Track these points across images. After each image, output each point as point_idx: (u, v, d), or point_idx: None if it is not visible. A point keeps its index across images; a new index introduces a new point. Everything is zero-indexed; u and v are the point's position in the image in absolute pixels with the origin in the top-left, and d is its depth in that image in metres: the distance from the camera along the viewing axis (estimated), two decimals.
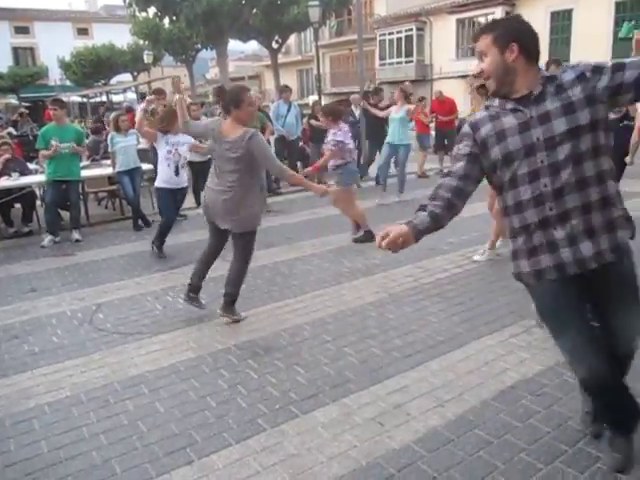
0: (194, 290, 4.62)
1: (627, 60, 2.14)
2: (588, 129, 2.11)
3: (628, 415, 2.44)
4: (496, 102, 2.27)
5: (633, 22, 19.81)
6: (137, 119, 6.32)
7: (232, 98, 4.17)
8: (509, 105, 2.21)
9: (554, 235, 2.19)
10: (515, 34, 2.17)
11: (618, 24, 20.28)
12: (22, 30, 36.45)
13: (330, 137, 6.36)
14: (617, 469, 2.46)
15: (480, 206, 7.76)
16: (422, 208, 2.33)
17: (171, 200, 6.50)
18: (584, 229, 2.16)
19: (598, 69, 2.12)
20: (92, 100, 25.29)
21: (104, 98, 25.70)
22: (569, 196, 2.14)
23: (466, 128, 2.33)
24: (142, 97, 15.77)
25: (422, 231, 2.30)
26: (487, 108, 2.32)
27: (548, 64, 5.73)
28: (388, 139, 8.99)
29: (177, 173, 6.28)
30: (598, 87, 2.10)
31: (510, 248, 2.39)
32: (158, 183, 6.36)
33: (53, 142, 6.97)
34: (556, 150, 2.12)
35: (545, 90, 2.15)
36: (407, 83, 11.10)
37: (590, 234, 2.17)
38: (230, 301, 4.41)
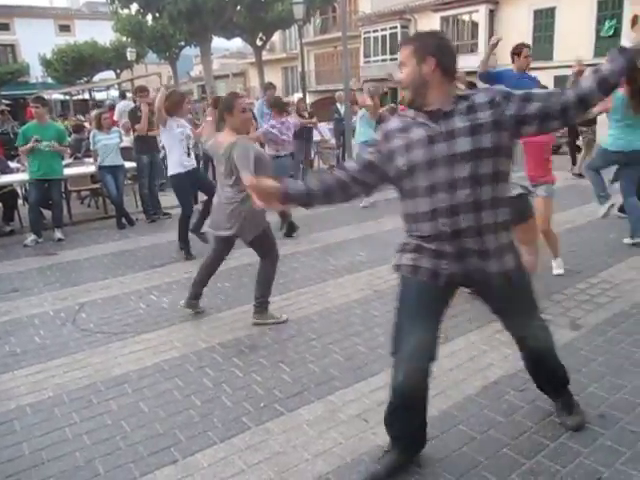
0: (196, 297, 4.54)
1: (535, 91, 2.25)
2: (491, 153, 2.18)
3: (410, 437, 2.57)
4: (411, 112, 2.32)
5: (615, 20, 20.02)
6: (157, 104, 6.22)
7: (225, 105, 4.12)
8: (420, 118, 2.26)
9: (443, 248, 2.27)
10: (434, 49, 2.23)
11: (600, 22, 20.47)
12: (2, 27, 35.88)
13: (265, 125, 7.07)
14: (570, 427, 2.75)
15: None
16: (306, 181, 2.50)
17: (188, 186, 6.25)
18: (475, 249, 2.25)
19: (508, 96, 2.22)
20: (75, 98, 25.00)
21: (87, 96, 25.44)
22: (463, 215, 2.20)
23: (379, 134, 2.40)
24: (122, 96, 15.58)
25: (291, 197, 2.44)
26: (400, 117, 2.38)
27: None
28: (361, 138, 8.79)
29: (188, 154, 6.19)
30: (505, 114, 2.19)
31: (401, 241, 2.45)
32: (172, 170, 6.09)
33: (34, 138, 6.89)
34: (454, 168, 2.18)
35: (455, 108, 2.21)
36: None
37: (480, 255, 2.27)
38: (262, 306, 4.29)
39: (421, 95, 2.24)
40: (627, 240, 5.64)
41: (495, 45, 5.71)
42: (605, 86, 2.15)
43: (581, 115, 2.27)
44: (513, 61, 5.93)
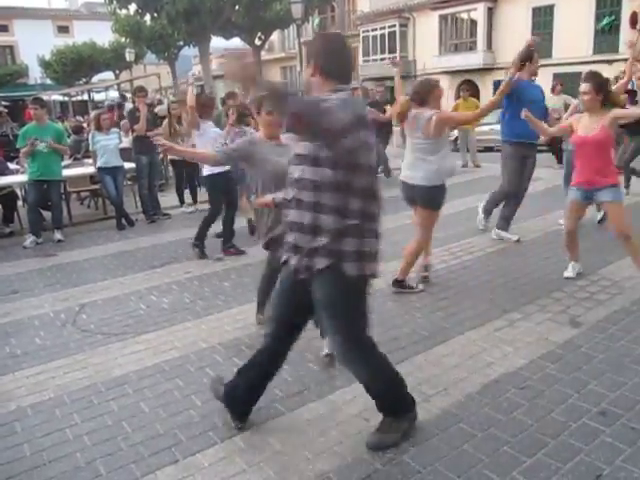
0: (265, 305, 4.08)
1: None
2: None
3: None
4: None
5: (613, 17, 20.02)
6: (189, 104, 6.31)
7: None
8: None
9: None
10: (314, 53, 2.42)
11: (599, 19, 20.48)
12: (1, 28, 35.83)
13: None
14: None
15: (470, 200, 7.82)
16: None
17: (220, 187, 6.10)
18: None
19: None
20: (74, 99, 24.99)
21: (86, 97, 25.41)
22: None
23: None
24: (122, 97, 15.64)
25: None
26: None
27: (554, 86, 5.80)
28: None
29: None
30: None
31: None
32: (208, 170, 5.95)
33: (32, 139, 6.90)
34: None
35: None
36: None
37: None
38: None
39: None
40: None
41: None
42: None
43: None
44: (521, 69, 5.47)
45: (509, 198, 6.14)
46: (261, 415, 3.03)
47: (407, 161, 4.62)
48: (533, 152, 5.97)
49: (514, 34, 22.72)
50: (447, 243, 6.07)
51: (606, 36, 20.16)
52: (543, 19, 22.22)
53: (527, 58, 5.48)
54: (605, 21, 20.09)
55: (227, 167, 5.84)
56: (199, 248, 6.20)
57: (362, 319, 2.75)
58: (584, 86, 4.39)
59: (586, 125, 4.44)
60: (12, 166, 9.22)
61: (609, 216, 4.72)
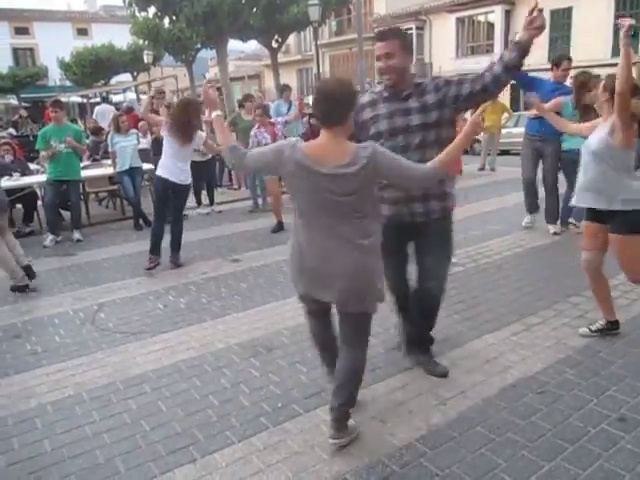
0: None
1: (469, 76, 2.99)
2: (434, 125, 2.96)
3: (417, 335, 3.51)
4: (377, 89, 3.19)
5: (634, 20, 19.80)
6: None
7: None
8: (385, 93, 3.08)
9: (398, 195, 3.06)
10: (410, 46, 3.07)
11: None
12: (22, 30, 36.41)
13: None
14: (440, 374, 3.35)
15: (487, 203, 7.77)
16: None
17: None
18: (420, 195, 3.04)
19: (448, 82, 3.00)
20: (92, 100, 25.27)
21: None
22: None
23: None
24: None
25: None
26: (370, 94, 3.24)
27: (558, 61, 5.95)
28: None
29: None
30: (448, 95, 2.96)
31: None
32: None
33: (52, 143, 7.01)
34: (410, 136, 2.98)
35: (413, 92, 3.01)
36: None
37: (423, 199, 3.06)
38: (343, 416, 2.74)
39: (402, 80, 2.99)
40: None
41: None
42: (507, 71, 2.87)
43: (498, 91, 3.03)
44: (552, 69, 6.02)
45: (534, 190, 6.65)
46: (278, 416, 3.04)
47: None
48: (548, 147, 6.21)
49: None
50: (464, 247, 6.04)
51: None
52: (561, 22, 22.04)
53: (555, 63, 6.02)
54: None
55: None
56: None
57: None
58: None
59: None
60: (32, 166, 9.35)
61: None
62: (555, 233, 6.37)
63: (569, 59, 6.12)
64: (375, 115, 3.05)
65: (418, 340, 3.53)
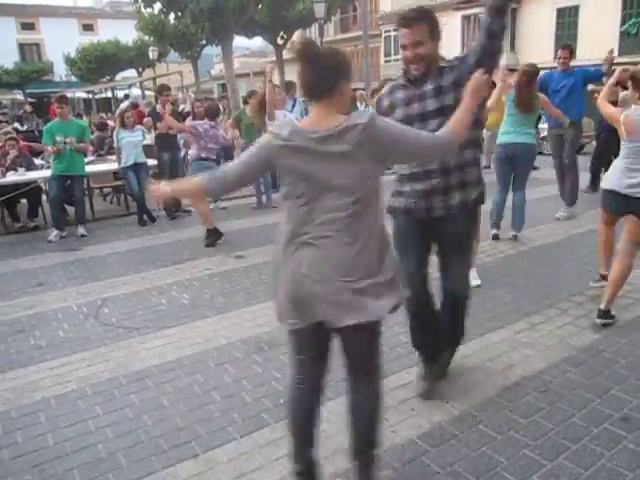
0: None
1: (469, 50, 2.87)
2: (451, 109, 2.41)
3: (431, 343, 3.17)
4: (401, 80, 2.95)
5: (639, 19, 19.68)
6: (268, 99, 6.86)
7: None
8: (401, 81, 2.95)
9: (416, 187, 2.86)
10: (438, 33, 2.81)
11: (625, 20, 20.15)
12: (28, 26, 36.49)
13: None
14: (422, 394, 3.10)
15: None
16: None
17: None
18: (442, 186, 2.81)
19: (462, 58, 2.82)
20: (97, 96, 25.32)
21: (109, 94, 25.74)
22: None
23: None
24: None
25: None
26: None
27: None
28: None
29: None
30: (463, 72, 2.66)
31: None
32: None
33: (58, 138, 7.03)
34: (426, 123, 2.70)
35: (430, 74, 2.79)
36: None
37: (445, 191, 2.82)
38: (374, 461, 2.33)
39: (431, 67, 2.76)
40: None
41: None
42: (492, 11, 2.66)
43: (497, 47, 2.86)
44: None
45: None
46: (281, 412, 3.04)
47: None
48: (567, 132, 7.02)
49: (538, 35, 22.49)
50: None
51: (632, 37, 19.83)
52: (568, 20, 21.92)
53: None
54: (629, 23, 19.74)
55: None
56: None
57: None
58: None
59: None
60: (37, 161, 9.37)
61: None
62: (558, 218, 6.95)
63: (563, 48, 7.47)
64: (392, 103, 2.88)
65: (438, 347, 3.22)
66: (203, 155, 7.09)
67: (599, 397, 3.02)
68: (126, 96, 18.31)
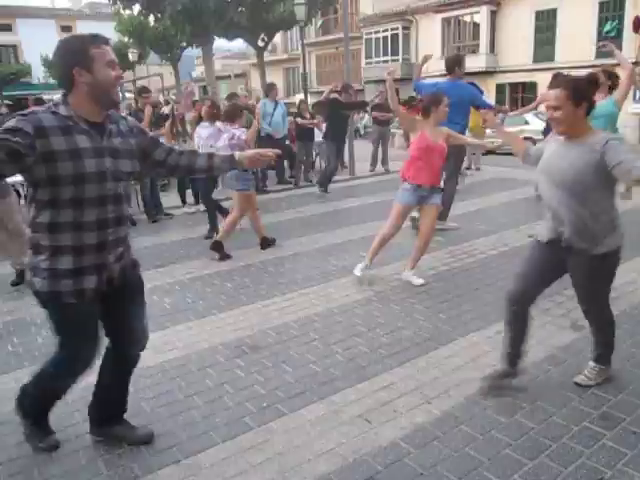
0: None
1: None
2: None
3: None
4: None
5: (617, 21, 20.01)
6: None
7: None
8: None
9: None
10: None
11: (602, 23, 20.46)
12: (4, 27, 35.91)
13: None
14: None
15: (470, 203, 7.82)
16: None
17: None
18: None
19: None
20: None
21: None
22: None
23: None
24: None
25: None
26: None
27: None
28: None
29: None
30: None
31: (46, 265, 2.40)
32: None
33: None
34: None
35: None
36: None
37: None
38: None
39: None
40: None
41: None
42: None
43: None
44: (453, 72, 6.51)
45: None
46: (263, 416, 3.03)
47: None
48: None
49: (517, 37, 22.73)
50: (449, 245, 6.07)
51: (609, 40, 20.14)
52: (546, 22, 22.19)
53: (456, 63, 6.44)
54: (608, 27, 20.07)
55: None
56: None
57: None
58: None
59: None
60: None
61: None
62: None
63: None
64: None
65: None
66: None
67: (579, 396, 3.06)
68: None
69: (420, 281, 4.95)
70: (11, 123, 2.12)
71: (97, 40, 2.31)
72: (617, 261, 2.94)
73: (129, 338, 2.72)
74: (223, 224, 6.31)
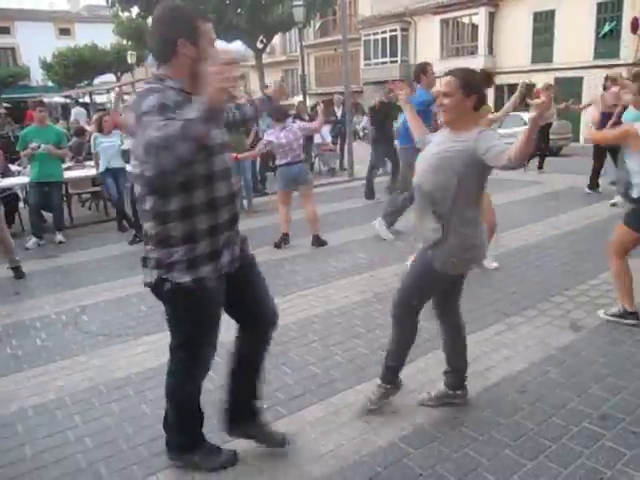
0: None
1: None
2: None
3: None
4: None
5: (615, 22, 20.05)
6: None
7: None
8: None
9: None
10: None
11: (600, 24, 20.50)
12: (3, 30, 35.89)
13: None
14: None
15: None
16: None
17: None
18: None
19: None
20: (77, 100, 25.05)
21: (87, 99, 25.47)
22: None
23: None
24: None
25: None
26: None
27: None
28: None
29: None
30: None
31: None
32: None
33: (34, 144, 6.93)
34: None
35: None
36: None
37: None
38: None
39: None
40: None
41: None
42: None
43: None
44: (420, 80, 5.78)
45: None
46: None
47: None
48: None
49: (515, 38, 22.78)
50: None
51: (607, 41, 20.18)
52: (544, 24, 22.23)
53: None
54: (606, 28, 20.11)
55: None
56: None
57: None
58: None
59: None
60: (13, 167, 9.23)
61: None
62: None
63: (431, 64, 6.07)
64: None
65: None
66: (289, 160, 6.42)
67: (578, 396, 3.06)
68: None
69: None
70: (155, 102, 1.92)
71: (203, 15, 2.16)
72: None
73: (265, 313, 2.69)
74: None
